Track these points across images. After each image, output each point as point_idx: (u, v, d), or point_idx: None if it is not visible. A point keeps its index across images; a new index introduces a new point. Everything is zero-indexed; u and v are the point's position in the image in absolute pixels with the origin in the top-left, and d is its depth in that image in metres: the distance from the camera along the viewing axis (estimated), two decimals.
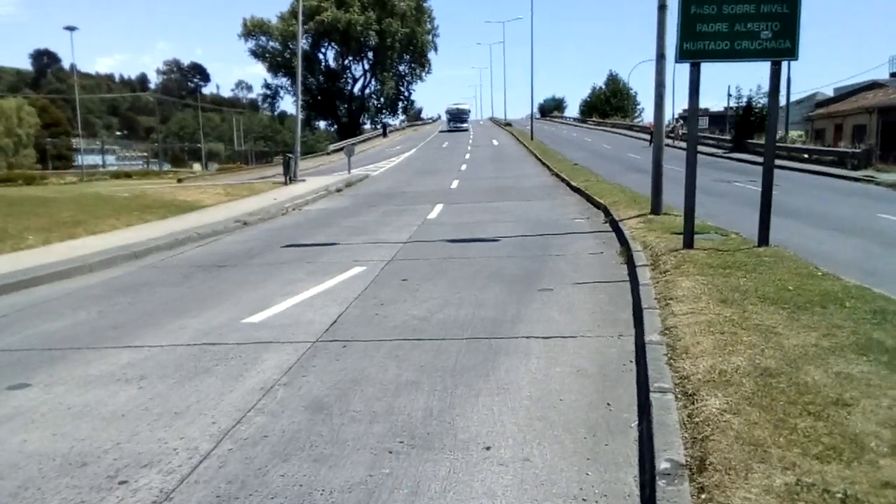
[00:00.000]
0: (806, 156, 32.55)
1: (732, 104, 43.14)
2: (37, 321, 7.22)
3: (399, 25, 73.18)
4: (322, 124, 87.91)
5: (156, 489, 3.49)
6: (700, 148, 38.04)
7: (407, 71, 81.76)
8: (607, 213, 13.89)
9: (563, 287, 7.94)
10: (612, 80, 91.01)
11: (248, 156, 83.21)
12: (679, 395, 4.10)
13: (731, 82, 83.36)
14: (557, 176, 25.28)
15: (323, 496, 3.38)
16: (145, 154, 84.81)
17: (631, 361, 5.24)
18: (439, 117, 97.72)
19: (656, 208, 12.69)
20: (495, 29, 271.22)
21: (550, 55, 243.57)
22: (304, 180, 26.54)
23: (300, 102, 35.11)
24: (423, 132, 74.90)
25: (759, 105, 37.30)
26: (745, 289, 6.39)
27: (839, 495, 2.82)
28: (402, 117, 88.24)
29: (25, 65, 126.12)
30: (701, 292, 6.38)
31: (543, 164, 32.07)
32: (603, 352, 5.52)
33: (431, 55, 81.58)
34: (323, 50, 76.61)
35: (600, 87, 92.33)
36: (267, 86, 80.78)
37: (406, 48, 77.14)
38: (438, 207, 17.17)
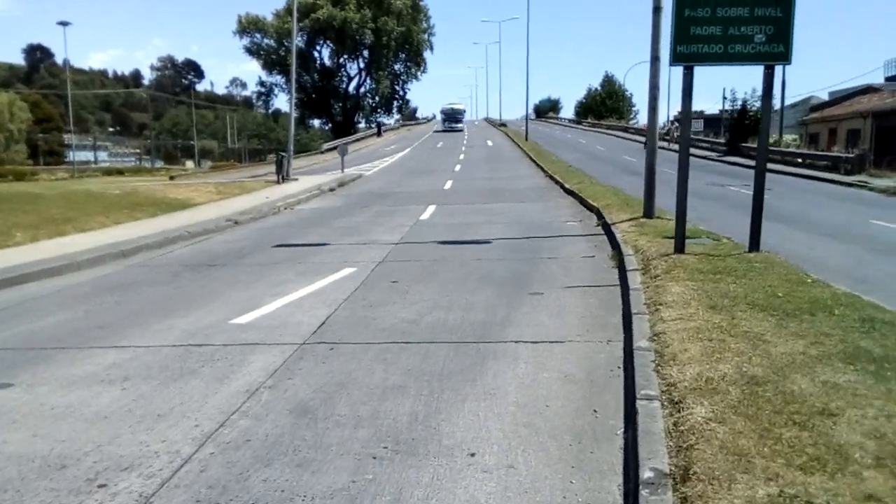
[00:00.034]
0: (800, 160, 32.63)
1: (727, 107, 43.18)
2: (22, 320, 7.16)
3: (395, 24, 73.10)
4: (316, 123, 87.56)
5: (135, 493, 3.45)
6: (694, 151, 38.14)
7: (402, 70, 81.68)
8: (600, 215, 13.88)
9: (553, 291, 7.92)
10: (608, 81, 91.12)
11: (242, 153, 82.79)
12: (665, 403, 4.08)
13: (726, 85, 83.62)
14: (551, 178, 25.28)
15: (304, 502, 3.35)
16: (138, 151, 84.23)
17: (619, 367, 5.22)
18: (434, 117, 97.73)
19: (649, 212, 12.69)
20: (491, 28, 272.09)
21: (546, 56, 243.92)
22: (296, 179, 26.47)
23: (294, 100, 35.03)
24: (417, 132, 74.92)
25: (754, 108, 37.34)
26: (734, 295, 6.38)
27: None
28: (397, 117, 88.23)
29: (18, 60, 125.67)
30: (690, 298, 6.37)
31: (538, 165, 32.08)
32: (591, 357, 5.50)
33: (427, 54, 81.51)
34: (318, 48, 76.56)
35: (596, 89, 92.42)
36: (261, 83, 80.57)
37: (402, 47, 77.05)
38: (431, 208, 17.14)
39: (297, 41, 66.76)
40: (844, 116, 41.59)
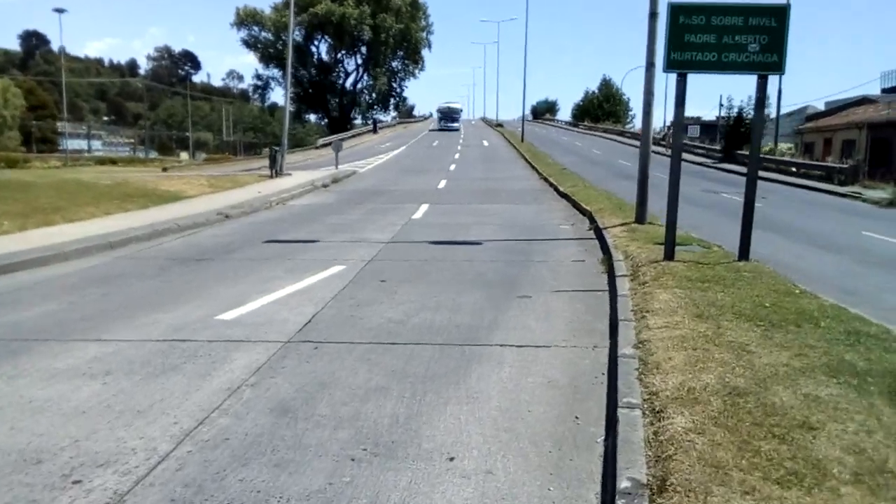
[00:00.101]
0: (794, 169, 32.74)
1: (724, 114, 43.27)
2: (5, 310, 7.09)
3: (394, 21, 73.00)
4: (313, 118, 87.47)
5: (110, 490, 3.42)
6: (689, 157, 38.36)
7: (400, 67, 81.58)
8: (592, 219, 13.89)
9: (542, 294, 7.91)
10: (606, 84, 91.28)
11: (237, 146, 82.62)
12: (647, 412, 4.07)
13: (724, 91, 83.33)
14: (546, 180, 25.30)
15: (279, 503, 3.33)
16: (132, 141, 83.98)
17: (603, 374, 5.22)
18: (431, 115, 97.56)
19: (641, 217, 12.71)
20: (490, 28, 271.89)
21: (545, 57, 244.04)
22: (290, 174, 26.40)
23: (290, 94, 34.94)
24: (413, 129, 74.84)
25: (750, 116, 37.41)
26: (721, 304, 6.39)
27: None
28: (393, 114, 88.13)
29: (14, 45, 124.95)
30: (677, 306, 6.37)
31: (532, 167, 32.11)
32: (576, 363, 5.49)
33: (425, 52, 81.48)
34: (316, 43, 76.37)
35: (593, 92, 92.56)
36: (258, 76, 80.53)
37: (400, 44, 76.95)
38: (424, 207, 17.11)
39: (295, 35, 66.73)
40: (840, 127, 41.77)
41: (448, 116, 75.49)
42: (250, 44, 74.72)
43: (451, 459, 3.79)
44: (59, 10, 54.35)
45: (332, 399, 4.65)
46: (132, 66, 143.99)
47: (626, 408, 4.14)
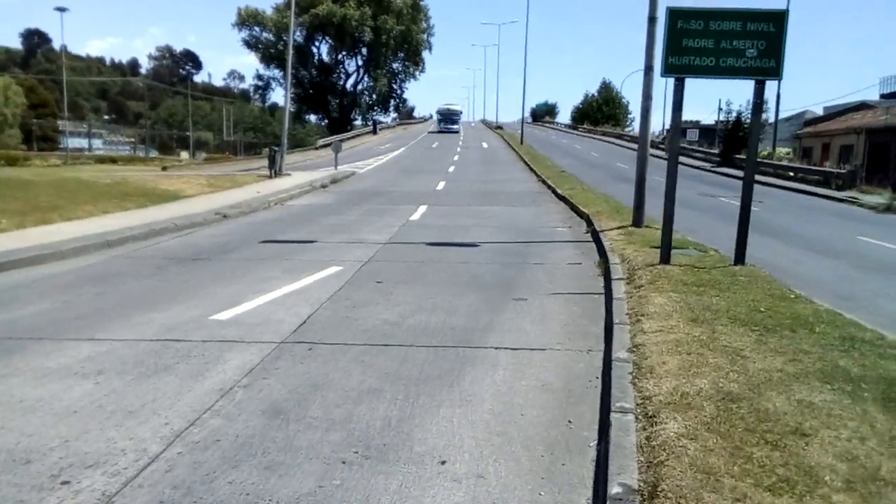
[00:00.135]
0: (792, 173, 32.77)
1: (723, 118, 43.28)
2: (1, 308, 7.07)
3: (394, 23, 72.96)
4: (313, 118, 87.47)
5: (98, 491, 3.40)
6: (688, 161, 38.36)
7: (400, 69, 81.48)
8: (590, 222, 13.89)
9: (537, 297, 7.90)
10: (606, 88, 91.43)
11: (237, 146, 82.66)
12: (640, 417, 4.06)
13: (724, 96, 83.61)
14: (544, 182, 25.29)
15: None
16: (133, 140, 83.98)
17: (597, 378, 5.20)
18: (431, 116, 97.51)
19: (637, 221, 12.70)
20: (491, 31, 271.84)
21: (545, 60, 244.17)
22: (289, 174, 26.39)
23: (290, 95, 34.94)
24: (413, 131, 74.84)
25: (748, 120, 37.35)
26: (716, 308, 6.38)
27: None
28: (393, 115, 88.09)
29: (15, 44, 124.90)
30: (673, 310, 6.36)
31: (531, 169, 32.11)
32: (570, 366, 5.48)
33: (426, 54, 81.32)
34: (317, 44, 76.29)
35: (593, 95, 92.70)
36: (259, 77, 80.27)
37: (400, 46, 76.89)
38: (422, 209, 17.10)
39: (296, 36, 66.75)
40: (838, 132, 41.81)
41: (448, 118, 75.34)
42: (251, 44, 74.70)
43: (443, 463, 3.77)
44: (61, 9, 54.45)
45: (324, 401, 4.64)
46: (133, 65, 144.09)
47: (619, 412, 4.13)
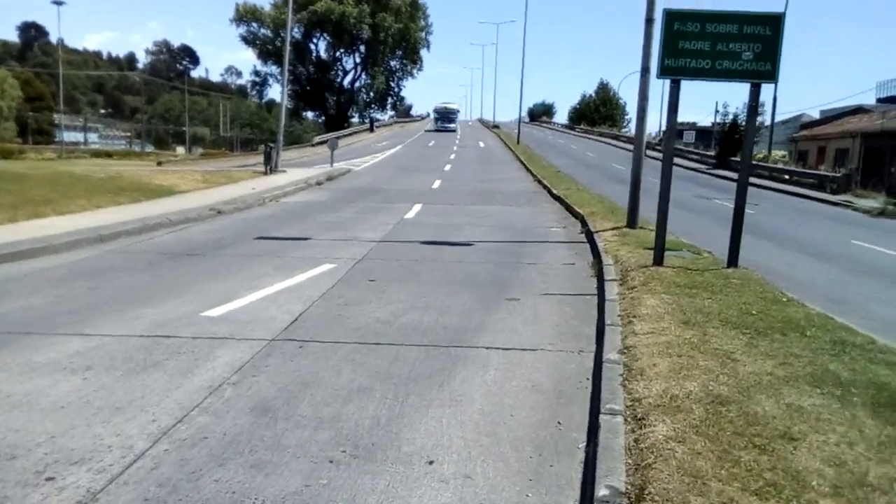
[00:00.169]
0: (787, 177, 32.84)
1: (719, 120, 43.34)
2: None
3: (393, 20, 72.90)
4: (310, 115, 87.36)
5: (83, 488, 3.38)
6: (684, 163, 38.41)
7: (398, 67, 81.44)
8: (584, 223, 13.89)
9: (530, 297, 7.89)
10: (603, 88, 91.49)
11: (234, 142, 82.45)
12: (629, 419, 4.05)
13: (721, 98, 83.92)
14: (540, 182, 25.28)
15: None
16: (129, 134, 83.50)
17: (588, 379, 5.20)
18: (428, 115, 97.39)
19: (632, 222, 12.70)
20: (489, 30, 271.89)
21: (543, 60, 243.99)
22: (284, 171, 26.31)
23: (287, 92, 34.88)
24: (410, 129, 74.76)
25: (744, 123, 37.47)
26: (708, 311, 6.38)
27: None
28: (391, 113, 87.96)
29: (12, 36, 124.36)
30: (664, 312, 6.35)
31: (527, 169, 32.10)
32: (561, 367, 5.47)
33: (424, 52, 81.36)
34: (315, 40, 76.16)
35: (590, 95, 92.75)
36: (256, 73, 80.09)
37: (399, 44, 76.83)
38: (417, 207, 17.08)
39: (294, 33, 66.61)
40: (834, 135, 41.91)
41: (445, 117, 75.23)
42: (249, 40, 74.54)
43: (431, 463, 3.76)
44: (58, 2, 54.18)
45: (313, 399, 4.62)
46: (130, 59, 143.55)
47: (609, 414, 4.12)
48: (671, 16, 8.30)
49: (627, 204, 13.11)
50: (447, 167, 32.93)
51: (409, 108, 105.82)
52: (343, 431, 4.12)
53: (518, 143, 51.74)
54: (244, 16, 72.72)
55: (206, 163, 36.47)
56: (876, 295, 10.12)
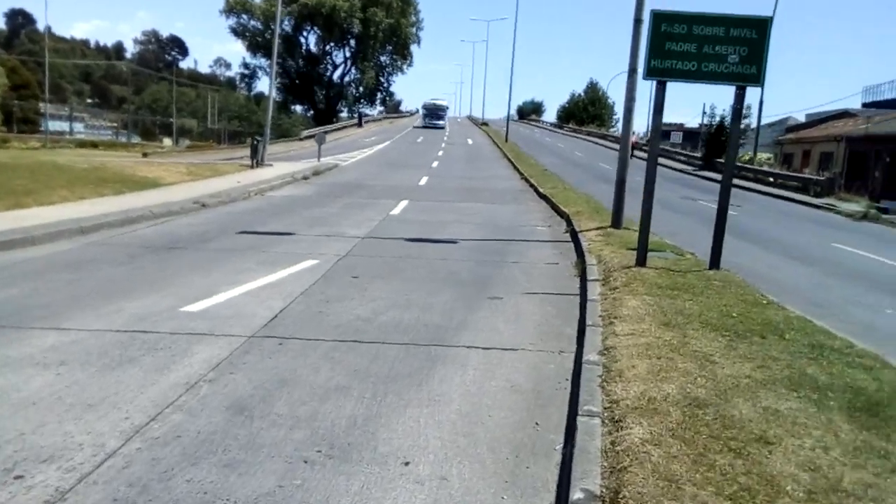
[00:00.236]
0: (771, 179, 33.03)
1: (706, 122, 43.53)
2: None
3: (384, 15, 72.65)
4: (299, 109, 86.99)
5: (51, 487, 3.33)
6: (670, 164, 38.56)
7: (388, 62, 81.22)
8: (569, 222, 13.90)
9: (513, 296, 7.88)
10: (592, 88, 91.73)
11: (221, 135, 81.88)
12: (606, 421, 4.04)
13: (709, 99, 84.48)
14: (527, 180, 25.29)
15: None
16: (115, 125, 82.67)
17: (567, 380, 5.19)
18: (417, 111, 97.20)
19: (617, 222, 12.73)
20: (480, 27, 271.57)
21: (533, 58, 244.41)
22: (271, 165, 26.17)
23: (276, 85, 34.68)
24: (399, 125, 74.58)
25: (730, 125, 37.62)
26: (689, 312, 6.39)
27: None
28: (380, 108, 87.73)
29: None
30: (645, 313, 6.36)
31: (515, 167, 32.11)
32: (541, 368, 5.46)
33: (414, 48, 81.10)
34: (304, 34, 75.81)
35: (579, 95, 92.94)
36: (245, 65, 79.88)
37: (389, 39, 76.58)
38: (403, 203, 17.03)
39: (284, 25, 66.28)
40: (819, 139, 42.19)
41: (433, 114, 74.95)
42: (239, 32, 73.99)
43: (407, 464, 3.74)
44: None
45: (290, 398, 4.58)
46: (118, 49, 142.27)
47: (586, 416, 4.11)
48: (658, 17, 8.31)
49: (612, 204, 13.13)
50: (435, 164, 32.89)
51: (399, 103, 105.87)
52: (319, 431, 4.09)
53: (506, 140, 51.75)
54: (234, 7, 72.17)
55: (192, 155, 36.22)
56: (856, 298, 10.19)
